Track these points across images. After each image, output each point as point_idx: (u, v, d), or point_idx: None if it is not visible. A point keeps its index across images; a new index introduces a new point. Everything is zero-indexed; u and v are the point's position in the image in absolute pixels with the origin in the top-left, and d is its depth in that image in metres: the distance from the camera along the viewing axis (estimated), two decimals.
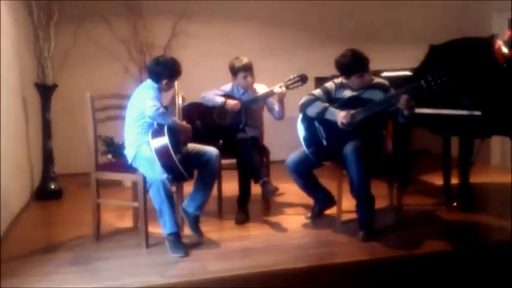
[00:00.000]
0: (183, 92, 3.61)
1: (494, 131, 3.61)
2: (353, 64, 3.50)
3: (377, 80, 3.66)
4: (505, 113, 3.33)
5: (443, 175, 4.27)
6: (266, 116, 4.24)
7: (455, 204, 4.05)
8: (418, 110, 3.71)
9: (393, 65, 4.92)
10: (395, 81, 3.80)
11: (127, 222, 3.84)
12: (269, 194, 3.78)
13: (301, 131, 3.70)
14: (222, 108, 3.94)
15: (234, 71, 3.99)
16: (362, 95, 3.58)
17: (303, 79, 3.92)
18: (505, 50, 3.89)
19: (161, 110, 3.24)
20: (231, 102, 3.92)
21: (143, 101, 3.29)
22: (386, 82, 3.63)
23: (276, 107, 3.98)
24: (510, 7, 5.66)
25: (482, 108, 3.39)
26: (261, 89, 4.07)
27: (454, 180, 4.17)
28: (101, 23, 5.27)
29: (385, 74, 4.44)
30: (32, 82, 4.59)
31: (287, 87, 3.91)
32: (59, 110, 4.95)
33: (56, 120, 4.76)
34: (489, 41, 3.75)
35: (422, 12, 6.28)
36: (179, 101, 3.54)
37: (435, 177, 4.74)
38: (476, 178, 4.60)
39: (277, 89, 3.90)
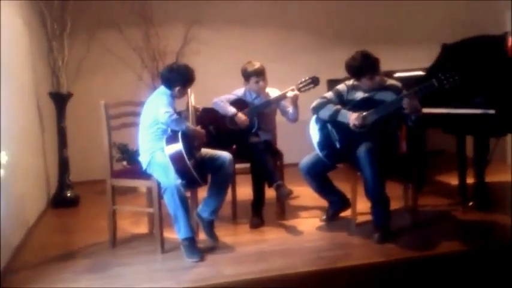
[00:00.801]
0: (196, 98, 3.63)
1: (509, 129, 3.57)
2: (363, 66, 3.49)
3: (390, 81, 3.65)
4: None
5: (458, 175, 4.23)
6: (279, 119, 4.24)
7: (471, 204, 4.01)
8: (432, 110, 3.69)
9: (406, 65, 4.89)
10: (408, 82, 3.78)
11: (142, 228, 3.87)
12: (284, 197, 3.78)
13: (314, 134, 3.69)
14: (232, 118, 3.95)
15: (247, 75, 4.00)
16: (374, 97, 3.56)
17: (314, 81, 3.93)
18: None
19: (174, 116, 3.27)
20: (241, 118, 3.91)
21: (157, 107, 3.32)
22: (399, 83, 3.61)
23: (290, 110, 3.98)
24: None
25: (496, 107, 3.36)
26: (273, 93, 4.08)
27: (470, 180, 4.12)
28: (113, 32, 5.32)
29: (398, 74, 4.41)
30: (47, 91, 4.66)
31: (299, 90, 3.91)
32: (74, 118, 5.01)
33: (71, 128, 4.82)
34: (502, 39, 3.72)
35: (434, 11, 6.22)
36: (193, 106, 3.56)
37: (451, 177, 4.69)
38: (492, 177, 4.54)
39: (289, 92, 3.91)
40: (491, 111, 3.38)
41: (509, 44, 3.73)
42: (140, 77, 5.38)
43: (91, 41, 5.16)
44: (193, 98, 3.59)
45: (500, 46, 3.68)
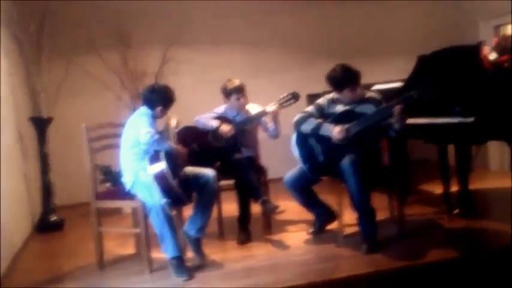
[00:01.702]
0: (177, 116, 3.64)
1: (488, 136, 3.63)
2: (344, 78, 3.54)
3: (369, 94, 3.70)
4: (497, 118, 3.35)
5: (442, 184, 4.28)
6: (261, 134, 4.26)
7: (456, 211, 4.05)
8: (411, 121, 3.74)
9: (384, 77, 4.98)
10: (386, 94, 3.84)
11: (129, 249, 3.83)
12: (269, 212, 3.78)
13: (296, 148, 3.71)
14: (216, 130, 3.96)
15: (227, 93, 4.03)
16: (355, 109, 3.60)
17: (295, 97, 3.96)
18: (494, 55, 3.94)
19: (156, 136, 3.27)
20: (225, 129, 3.93)
21: (138, 128, 3.32)
22: (378, 96, 3.66)
23: (271, 126, 4.01)
24: (495, 15, 5.76)
25: (474, 115, 3.42)
26: (254, 109, 4.11)
27: (455, 188, 4.17)
28: (91, 55, 5.33)
29: (376, 87, 4.48)
30: (27, 116, 4.62)
31: (280, 105, 3.94)
32: (56, 141, 4.97)
33: (53, 152, 4.79)
34: (476, 48, 3.80)
35: (409, 23, 6.35)
36: (173, 124, 3.57)
37: (435, 186, 4.74)
38: (476, 184, 4.61)
39: (269, 108, 3.94)
40: (470, 119, 3.44)
41: (484, 53, 3.82)
42: (120, 97, 5.38)
43: (69, 64, 5.17)
44: (175, 118, 3.59)
45: (475, 55, 3.76)
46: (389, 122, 3.42)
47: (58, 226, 4.61)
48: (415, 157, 5.14)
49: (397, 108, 3.36)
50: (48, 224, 4.58)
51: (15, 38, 4.54)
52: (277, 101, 3.95)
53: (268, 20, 6.06)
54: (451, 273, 3.16)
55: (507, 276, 3.13)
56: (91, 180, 3.51)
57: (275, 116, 3.94)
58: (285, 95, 3.96)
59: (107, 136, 3.70)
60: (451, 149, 4.12)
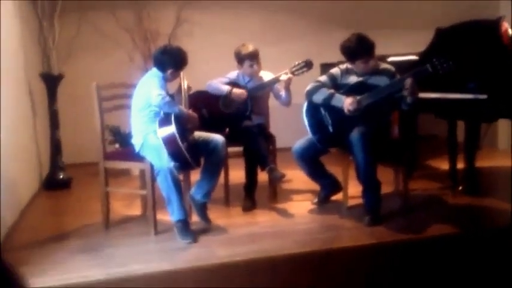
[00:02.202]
0: (189, 81, 3.62)
1: (500, 114, 3.60)
2: (358, 48, 3.49)
3: (383, 65, 3.65)
4: (511, 97, 3.31)
5: (449, 160, 4.27)
6: (272, 103, 4.24)
7: (460, 188, 4.06)
8: (424, 95, 3.71)
9: (400, 49, 4.90)
10: (401, 66, 3.79)
11: (135, 210, 3.88)
12: (276, 180, 3.80)
13: (307, 117, 3.70)
14: (228, 96, 3.94)
15: (240, 58, 3.98)
16: (368, 81, 3.57)
17: (308, 65, 3.92)
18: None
19: (167, 99, 3.26)
20: (237, 92, 3.92)
21: (149, 90, 3.31)
22: (392, 68, 3.61)
23: (283, 94, 3.98)
24: None
25: (488, 92, 3.38)
26: (267, 76, 4.07)
27: (461, 165, 4.17)
28: (104, 12, 5.25)
29: (391, 59, 4.42)
30: (38, 73, 4.61)
31: (292, 73, 3.90)
32: (66, 100, 4.97)
33: (62, 110, 4.79)
34: (496, 24, 3.72)
35: None
36: (185, 89, 3.55)
37: (442, 162, 4.74)
38: (483, 162, 4.60)
39: (283, 76, 3.90)
40: (483, 97, 3.40)
41: (503, 29, 3.73)
42: (132, 59, 5.34)
43: (82, 21, 5.10)
44: (186, 81, 3.57)
45: (494, 31, 3.68)
46: (402, 95, 3.39)
47: (66, 184, 4.66)
48: (424, 132, 5.11)
49: (408, 82, 3.32)
50: (55, 182, 4.63)
51: None
52: (290, 68, 3.91)
53: None
54: (451, 248, 3.20)
55: (506, 254, 3.16)
56: (100, 140, 3.52)
57: (287, 84, 3.91)
58: (298, 62, 3.92)
59: (118, 96, 3.69)
60: (460, 125, 4.11)
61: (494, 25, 3.71)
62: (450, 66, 3.29)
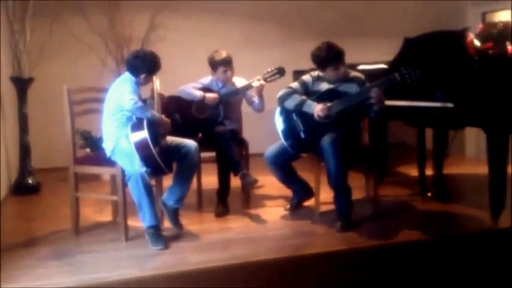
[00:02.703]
0: (162, 86, 3.60)
1: (467, 122, 3.69)
2: (328, 56, 3.55)
3: (354, 73, 3.72)
4: (477, 105, 3.41)
5: (418, 167, 4.36)
6: (245, 108, 4.26)
7: (430, 194, 4.15)
8: (393, 103, 3.79)
9: (370, 58, 4.99)
10: (371, 74, 3.86)
11: (106, 216, 3.84)
12: (249, 185, 3.81)
13: (279, 123, 3.74)
14: (201, 101, 3.95)
15: (214, 64, 4.00)
16: (338, 88, 3.63)
17: (280, 72, 3.96)
18: (477, 42, 3.98)
19: (139, 103, 3.25)
20: (210, 96, 3.93)
21: (121, 94, 3.28)
22: (362, 76, 3.69)
23: (256, 100, 4.01)
24: (483, 1, 5.79)
25: (455, 100, 3.47)
26: (239, 82, 4.10)
27: (430, 172, 4.26)
28: (77, 16, 5.20)
29: (361, 67, 4.50)
30: (8, 76, 4.53)
31: (265, 80, 3.94)
32: (36, 103, 4.89)
33: (33, 114, 4.71)
34: (462, 34, 3.82)
35: (398, 5, 6.35)
36: (158, 93, 3.53)
37: (411, 168, 4.83)
38: (451, 169, 4.72)
39: (255, 82, 3.93)
40: (450, 105, 3.49)
41: (469, 39, 3.84)
42: (104, 63, 5.29)
43: (54, 24, 5.04)
44: (159, 85, 3.56)
45: (459, 41, 3.79)
46: (370, 103, 3.46)
47: (34, 189, 4.57)
48: (393, 139, 5.21)
49: (375, 91, 3.40)
50: (24, 187, 4.54)
51: None
52: (262, 75, 3.94)
53: None
54: (422, 254, 3.26)
55: (475, 259, 3.24)
56: (70, 144, 3.48)
57: (260, 90, 3.94)
58: (271, 69, 3.96)
59: (89, 100, 3.65)
60: (428, 133, 4.20)
61: (460, 36, 3.82)
62: (417, 74, 3.40)
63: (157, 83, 3.52)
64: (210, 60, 4.00)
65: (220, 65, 3.96)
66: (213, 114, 3.97)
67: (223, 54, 3.98)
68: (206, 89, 4.04)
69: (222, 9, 5.89)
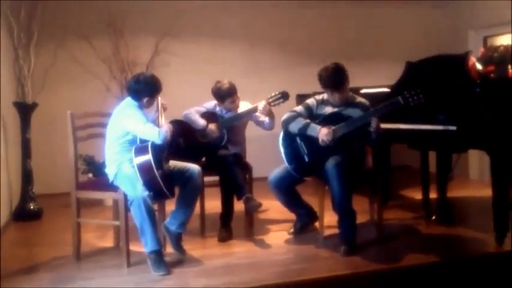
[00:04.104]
0: (166, 115, 3.60)
1: (470, 145, 3.69)
2: (333, 78, 3.57)
3: (359, 99, 3.73)
4: (480, 128, 3.41)
5: (422, 190, 4.34)
6: (249, 132, 4.26)
7: (434, 218, 4.12)
8: (396, 126, 3.80)
9: (372, 82, 5.02)
10: (374, 98, 3.87)
11: (108, 242, 3.81)
12: (252, 209, 3.78)
13: (283, 147, 3.73)
14: (202, 131, 3.96)
15: (221, 97, 3.98)
16: (342, 112, 3.64)
17: (284, 96, 3.96)
18: (479, 66, 4.00)
19: (165, 132, 3.24)
20: (211, 129, 3.95)
21: (135, 124, 3.27)
22: (367, 102, 3.70)
23: (266, 120, 4.00)
24: (485, 26, 5.85)
25: (458, 123, 3.47)
26: (244, 106, 4.10)
27: (434, 195, 4.23)
28: (81, 42, 5.27)
29: (364, 90, 4.52)
30: (12, 101, 4.55)
31: (269, 104, 3.94)
32: (39, 129, 4.91)
33: (35, 139, 4.72)
34: (463, 58, 3.85)
35: (401, 31, 6.43)
36: (161, 108, 3.53)
37: (415, 192, 4.81)
38: (455, 192, 4.69)
39: (259, 106, 3.92)
40: (453, 128, 3.49)
41: (471, 63, 3.87)
42: (108, 88, 5.33)
43: (58, 50, 5.11)
44: (160, 99, 3.56)
45: (461, 65, 3.81)
46: (369, 131, 3.47)
47: (36, 215, 4.55)
48: (397, 163, 5.19)
49: (374, 121, 3.42)
50: (26, 212, 4.52)
51: (6, 22, 4.47)
52: (266, 99, 3.94)
53: (263, 18, 6.07)
54: (426, 277, 3.22)
55: (480, 282, 3.19)
56: (73, 169, 3.47)
57: (268, 111, 3.92)
58: (275, 93, 3.96)
59: (92, 125, 3.67)
60: (432, 156, 4.19)
61: (462, 59, 3.84)
62: (420, 98, 3.41)
63: (159, 97, 3.53)
64: (216, 93, 3.99)
65: (228, 96, 3.96)
66: (217, 138, 3.97)
67: (227, 84, 3.96)
68: (210, 113, 4.05)
69: (223, 34, 5.96)
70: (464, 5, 6.26)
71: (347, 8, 6.28)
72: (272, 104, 3.94)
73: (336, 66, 3.60)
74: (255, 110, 3.96)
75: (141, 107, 3.41)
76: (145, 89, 3.37)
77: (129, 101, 3.45)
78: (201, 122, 3.98)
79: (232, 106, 4.02)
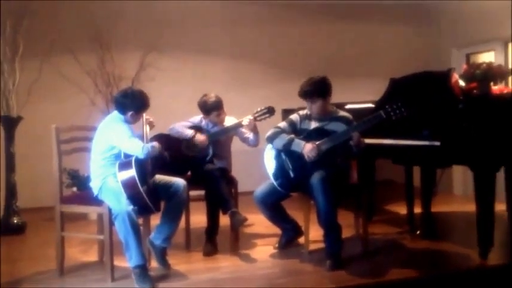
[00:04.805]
0: (151, 117, 3.60)
1: (453, 160, 3.74)
2: (309, 87, 3.61)
3: (342, 113, 3.77)
4: (463, 143, 3.46)
5: (406, 205, 4.37)
6: (234, 147, 4.27)
7: (418, 232, 4.15)
8: (381, 141, 3.84)
9: (357, 98, 5.07)
10: (358, 113, 3.91)
11: (92, 256, 3.77)
12: (238, 224, 3.78)
13: (268, 163, 3.74)
14: (190, 140, 3.96)
15: (207, 110, 4.00)
16: (326, 127, 3.67)
17: (270, 111, 3.99)
18: (461, 83, 4.07)
19: (149, 147, 3.24)
20: (200, 138, 3.95)
21: (120, 138, 3.26)
22: (350, 116, 3.73)
23: (251, 136, 4.02)
24: (467, 43, 5.96)
25: (441, 139, 3.52)
26: (229, 121, 4.12)
27: (418, 210, 4.26)
28: (67, 56, 5.27)
29: (348, 106, 4.56)
30: None
31: (255, 119, 3.96)
32: (24, 143, 4.87)
33: (20, 153, 4.68)
34: (447, 75, 3.91)
35: (385, 48, 6.52)
36: (147, 129, 3.53)
37: (399, 206, 4.84)
38: (439, 207, 4.74)
39: (245, 121, 3.95)
40: (437, 143, 3.53)
41: (453, 80, 3.93)
42: (93, 102, 5.32)
43: (43, 64, 5.09)
44: (148, 117, 3.56)
45: (444, 82, 3.88)
46: (351, 145, 3.51)
47: (20, 229, 4.50)
48: (382, 177, 5.23)
49: (355, 135, 3.46)
50: (9, 227, 4.47)
51: None
52: (252, 114, 3.97)
53: (249, 34, 6.12)
54: None
55: None
56: (57, 183, 3.44)
57: (252, 127, 3.95)
58: (260, 108, 3.98)
59: (77, 139, 3.65)
60: (416, 171, 4.23)
61: (445, 76, 3.91)
62: (402, 112, 3.46)
63: (145, 121, 3.52)
64: (202, 105, 4.01)
65: (214, 110, 3.98)
66: (202, 153, 3.97)
67: (214, 98, 3.99)
68: (196, 127, 4.06)
69: (209, 49, 6.00)
70: (447, 23, 6.40)
71: (332, 25, 6.37)
72: (258, 118, 3.97)
73: (316, 77, 3.65)
74: (240, 124, 3.99)
75: (127, 121, 3.40)
76: (131, 104, 3.37)
77: (115, 114, 3.44)
78: (189, 132, 3.98)
79: (218, 120, 4.04)
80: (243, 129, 4.03)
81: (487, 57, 5.46)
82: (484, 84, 4.03)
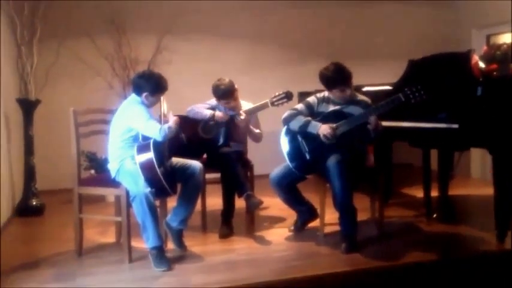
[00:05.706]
0: (168, 107, 3.60)
1: (472, 143, 3.68)
2: (335, 77, 3.56)
3: (360, 96, 3.73)
4: (482, 126, 3.40)
5: (423, 188, 4.34)
6: None
7: (435, 216, 4.12)
8: (398, 124, 3.79)
9: (376, 80, 5.01)
10: (376, 95, 3.87)
11: (110, 238, 3.82)
12: (253, 207, 3.79)
13: (284, 145, 3.73)
14: (209, 120, 3.96)
15: (217, 96, 3.95)
16: (344, 110, 3.63)
17: (288, 96, 3.94)
18: (481, 64, 3.99)
19: (166, 128, 3.25)
20: (219, 114, 3.93)
21: (138, 120, 3.28)
22: (368, 99, 3.69)
23: (257, 131, 4.02)
24: (488, 24, 5.84)
25: (460, 121, 3.47)
26: (246, 106, 4.09)
27: (435, 193, 4.23)
28: (84, 39, 5.30)
29: (366, 88, 4.51)
30: (14, 98, 4.58)
31: (272, 103, 3.92)
32: (42, 125, 4.94)
33: (38, 136, 4.74)
34: (466, 56, 3.84)
35: (404, 29, 6.42)
36: (164, 112, 3.51)
37: (416, 190, 4.81)
38: (457, 190, 4.69)
39: (269, 102, 3.90)
40: (455, 126, 3.49)
41: (473, 61, 3.86)
42: (110, 85, 5.35)
43: (61, 47, 5.11)
44: (166, 108, 3.56)
45: (464, 63, 3.80)
46: (368, 128, 3.48)
47: (38, 211, 4.58)
48: (399, 161, 5.19)
49: (372, 119, 3.43)
50: (28, 208, 4.55)
51: (9, 19, 4.48)
52: (270, 99, 3.93)
53: (265, 16, 6.07)
54: (427, 275, 3.22)
55: (480, 281, 3.19)
56: (75, 166, 3.48)
57: (246, 122, 3.92)
58: (278, 93, 3.94)
59: (95, 122, 3.67)
60: (434, 154, 4.19)
61: (464, 58, 3.83)
62: (421, 95, 3.40)
63: (164, 105, 3.49)
64: (215, 90, 3.95)
65: (224, 97, 3.92)
66: (219, 135, 3.97)
67: (224, 86, 3.89)
68: (214, 109, 4.04)
69: (226, 32, 5.97)
70: (467, 4, 6.26)
71: (350, 7, 6.28)
72: (276, 103, 3.93)
73: (337, 65, 3.59)
74: (266, 105, 3.91)
75: (143, 103, 3.41)
76: (146, 84, 3.38)
77: (133, 97, 3.46)
78: (208, 111, 3.97)
79: (229, 106, 4.00)
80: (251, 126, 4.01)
81: (508, 38, 5.34)
82: (505, 65, 3.96)
